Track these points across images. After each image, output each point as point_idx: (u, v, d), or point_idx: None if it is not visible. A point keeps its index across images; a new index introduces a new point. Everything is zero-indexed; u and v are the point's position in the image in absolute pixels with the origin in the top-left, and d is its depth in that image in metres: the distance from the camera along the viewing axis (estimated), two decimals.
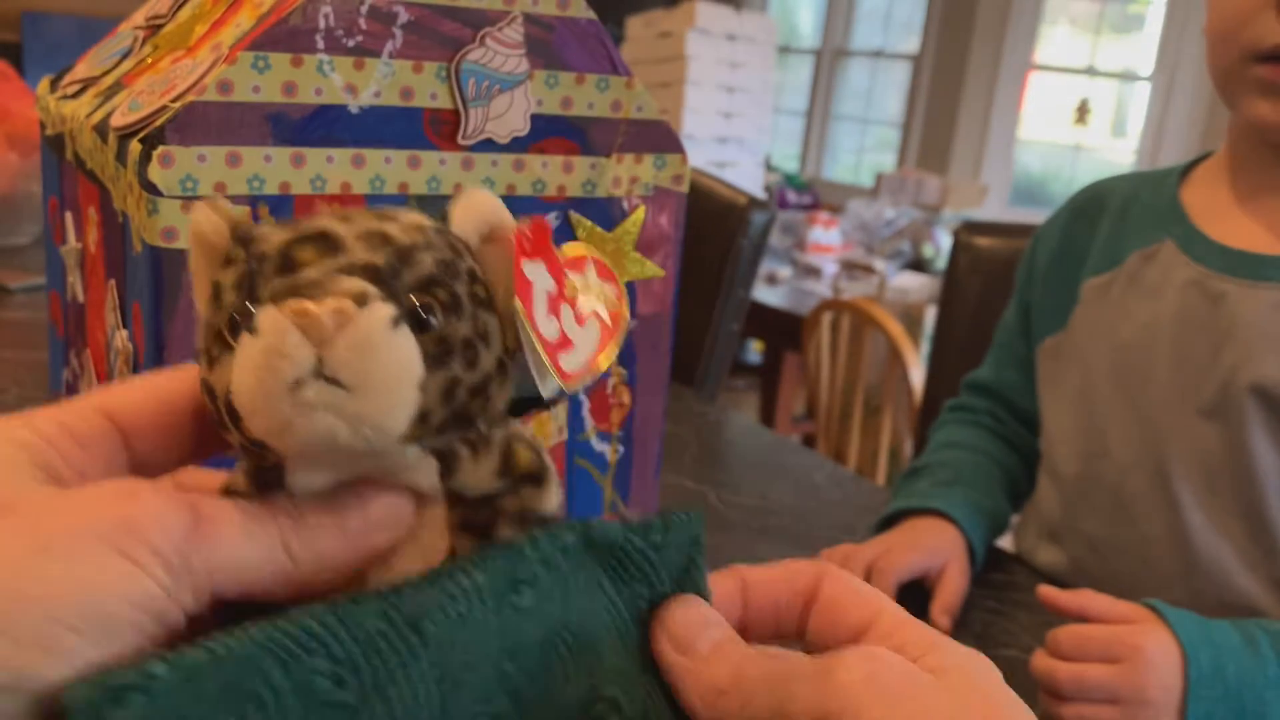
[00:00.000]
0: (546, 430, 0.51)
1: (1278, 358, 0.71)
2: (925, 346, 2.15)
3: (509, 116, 0.48)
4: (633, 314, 0.55)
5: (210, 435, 0.26)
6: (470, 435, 0.26)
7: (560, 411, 0.53)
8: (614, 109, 0.51)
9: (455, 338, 0.25)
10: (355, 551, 0.25)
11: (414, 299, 0.24)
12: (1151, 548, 0.77)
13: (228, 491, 0.26)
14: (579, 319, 0.28)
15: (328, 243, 0.24)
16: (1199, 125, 3.91)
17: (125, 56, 0.56)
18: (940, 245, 3.06)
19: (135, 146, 0.42)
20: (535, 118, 0.49)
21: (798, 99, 5.09)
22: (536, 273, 0.27)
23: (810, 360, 2.18)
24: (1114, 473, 0.79)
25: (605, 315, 0.29)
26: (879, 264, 2.74)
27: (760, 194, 3.34)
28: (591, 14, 0.50)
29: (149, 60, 0.52)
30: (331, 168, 0.44)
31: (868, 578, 0.73)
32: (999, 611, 0.75)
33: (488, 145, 0.48)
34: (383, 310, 0.23)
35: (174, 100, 0.42)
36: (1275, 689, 0.59)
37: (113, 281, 0.48)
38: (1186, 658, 0.59)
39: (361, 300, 0.23)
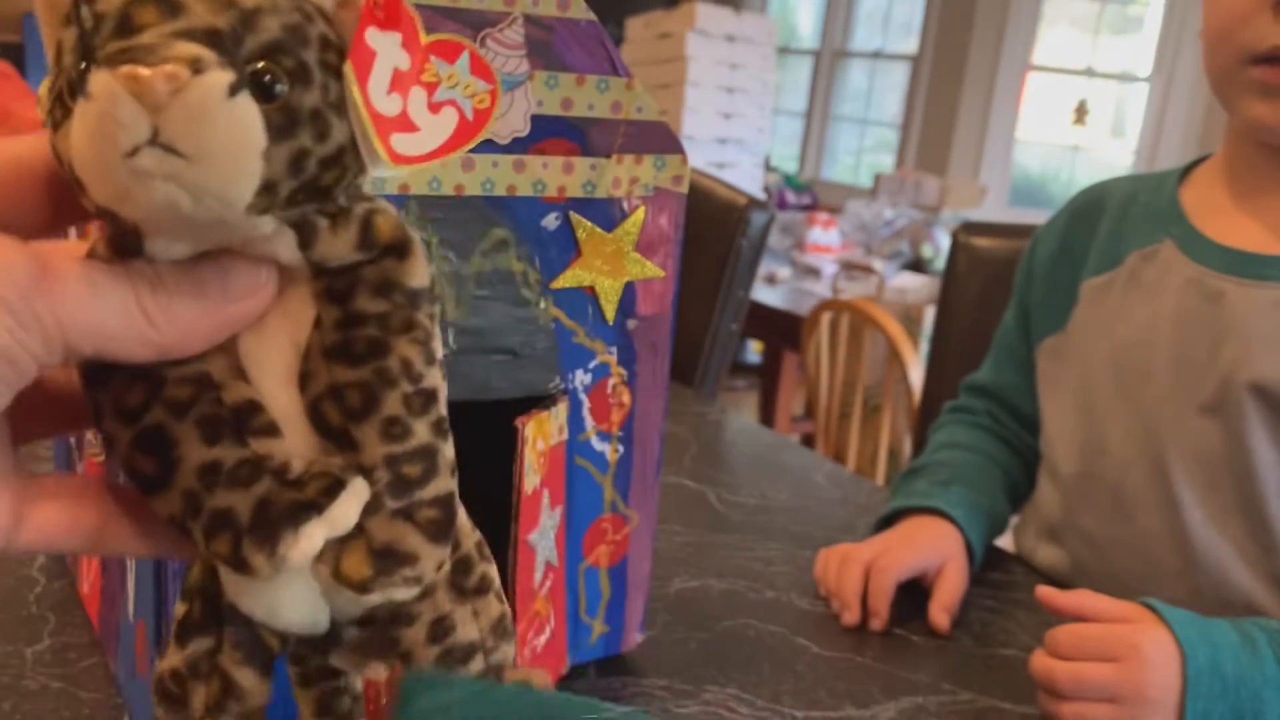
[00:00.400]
0: (546, 430, 0.51)
1: (1277, 357, 0.71)
2: (924, 346, 2.15)
3: (509, 117, 0.48)
4: (633, 314, 0.55)
5: (68, 201, 0.26)
6: (328, 207, 0.26)
7: (560, 411, 0.53)
8: (614, 110, 0.51)
9: (302, 108, 0.24)
10: (217, 319, 0.25)
11: (258, 67, 0.23)
12: (1151, 545, 0.77)
13: (90, 256, 0.26)
14: (432, 106, 0.26)
15: (169, 4, 0.23)
16: (1197, 126, 3.92)
17: None
18: (939, 245, 3.06)
19: None
20: (535, 118, 0.49)
21: (797, 100, 5.09)
22: (385, 44, 0.26)
23: (810, 360, 2.18)
24: (1114, 470, 0.79)
25: (468, 110, 0.27)
26: (878, 264, 2.74)
27: (759, 194, 3.34)
28: (591, 15, 0.50)
29: None
30: None
31: (866, 577, 0.73)
32: (998, 611, 0.75)
33: (488, 146, 0.48)
34: (219, 76, 0.22)
35: None
36: (1272, 687, 0.59)
37: None
38: (1184, 656, 0.59)
39: (197, 66, 0.22)
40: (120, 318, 0.24)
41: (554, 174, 0.50)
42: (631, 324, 0.55)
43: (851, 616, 0.71)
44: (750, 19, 3.54)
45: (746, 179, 3.44)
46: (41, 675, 0.54)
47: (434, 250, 0.48)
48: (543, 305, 0.51)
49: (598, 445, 0.56)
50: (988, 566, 0.81)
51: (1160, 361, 0.77)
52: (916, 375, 1.87)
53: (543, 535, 0.52)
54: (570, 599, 0.57)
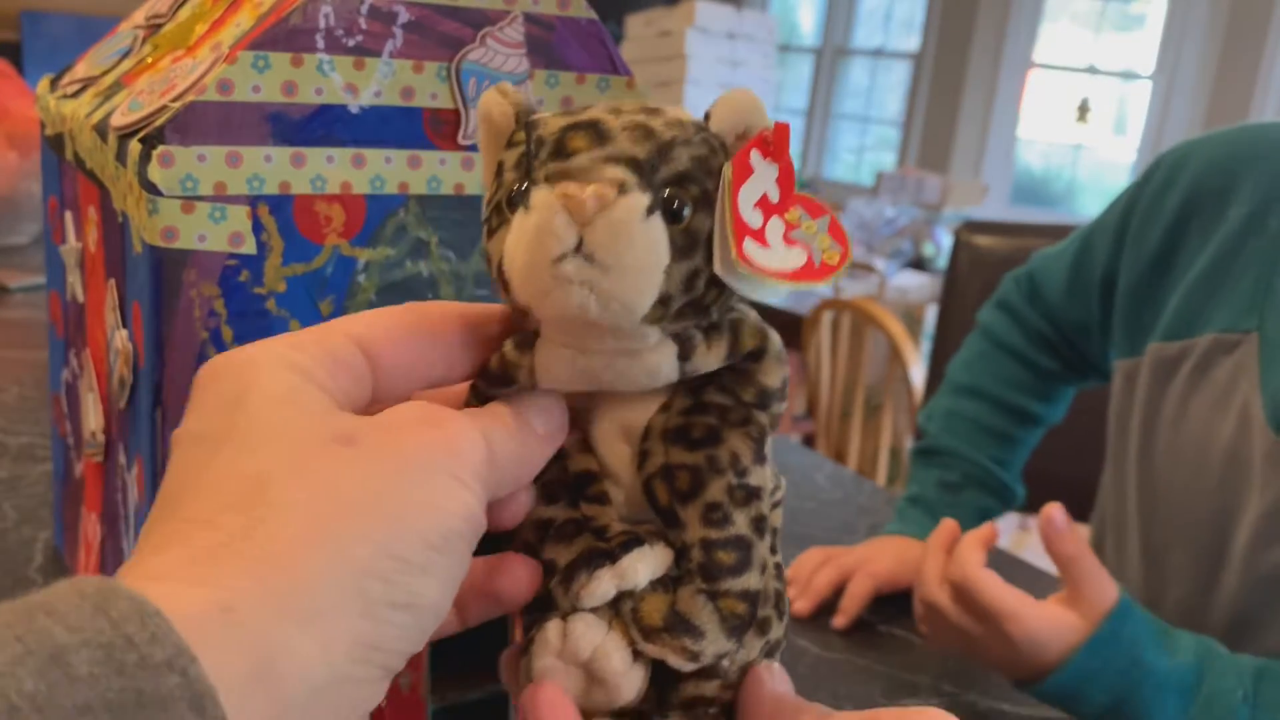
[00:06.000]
0: None
1: None
2: (926, 345, 2.15)
3: None
4: None
5: (442, 363, 0.29)
6: (703, 322, 0.28)
7: None
8: None
9: (701, 231, 0.27)
10: (545, 454, 0.29)
11: (669, 192, 0.26)
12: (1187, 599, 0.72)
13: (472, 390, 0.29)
14: (788, 239, 0.28)
15: (597, 132, 0.27)
16: (1199, 124, 3.91)
17: (125, 56, 0.56)
18: (941, 244, 3.06)
19: (135, 146, 0.42)
20: None
21: (798, 98, 5.09)
22: (764, 170, 0.28)
23: (811, 359, 2.18)
24: (1156, 550, 0.74)
25: (817, 257, 0.28)
26: (879, 263, 2.74)
27: None
28: (592, 13, 0.50)
29: (149, 60, 0.52)
30: (331, 168, 0.44)
31: (843, 582, 0.72)
32: None
33: None
34: (639, 199, 0.25)
35: (174, 100, 0.42)
36: (1174, 690, 0.56)
37: (112, 281, 0.48)
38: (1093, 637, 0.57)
39: (622, 188, 0.25)
40: (521, 473, 0.28)
41: None
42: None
43: (805, 605, 0.70)
44: (751, 16, 3.54)
45: None
46: None
47: (434, 250, 0.48)
48: None
49: None
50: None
51: (1201, 500, 0.67)
52: (918, 374, 1.87)
53: None
54: None
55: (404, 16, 0.45)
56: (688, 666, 0.29)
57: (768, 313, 2.25)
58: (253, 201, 0.43)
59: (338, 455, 0.23)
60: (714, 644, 0.28)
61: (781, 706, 0.30)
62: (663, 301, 0.26)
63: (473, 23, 0.46)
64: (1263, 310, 0.63)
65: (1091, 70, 4.30)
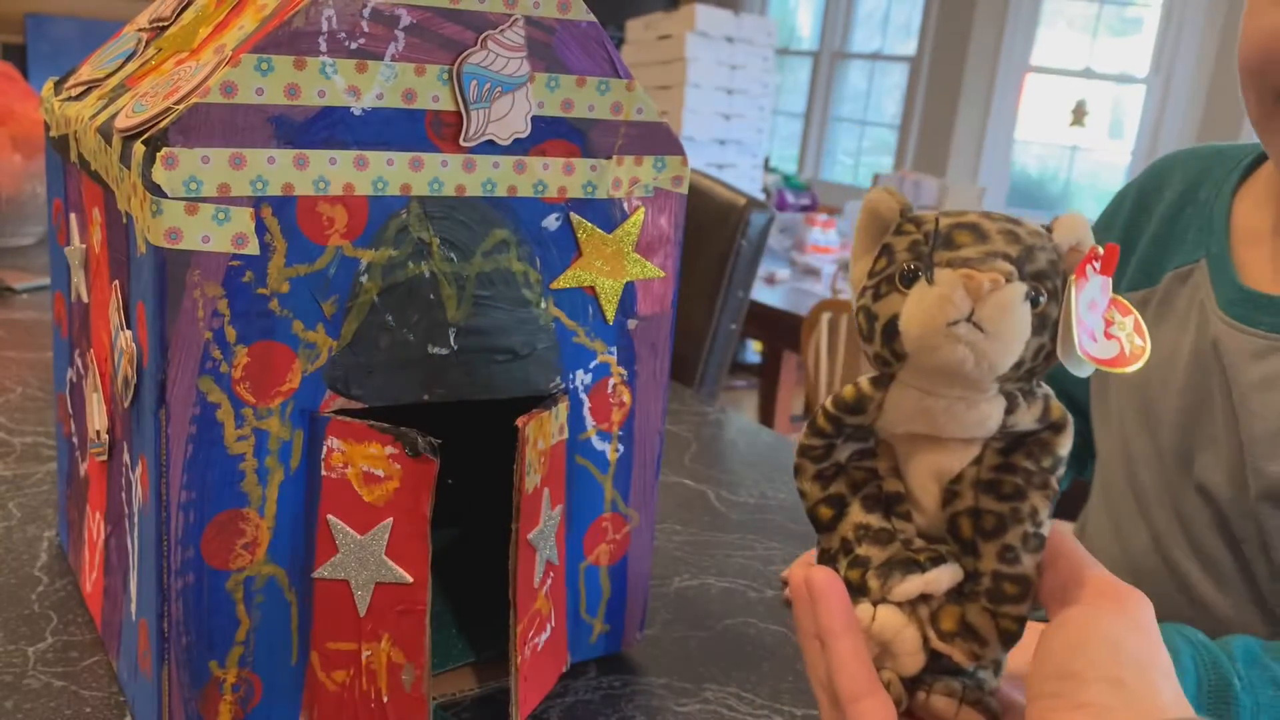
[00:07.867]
0: (547, 430, 0.51)
1: (1255, 421, 0.65)
2: None
3: (510, 118, 0.48)
4: (633, 314, 0.55)
5: None
6: (1025, 387, 0.36)
7: (561, 411, 0.53)
8: (614, 111, 0.51)
9: (1050, 317, 0.35)
10: None
11: (1032, 284, 0.35)
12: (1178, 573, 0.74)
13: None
14: (1107, 334, 0.37)
15: (978, 232, 0.35)
16: (1195, 127, 3.92)
17: (129, 58, 0.56)
18: None
19: (139, 148, 0.42)
20: (536, 120, 0.49)
21: (796, 101, 5.09)
22: (1095, 279, 0.36)
23: (809, 360, 2.18)
24: (1148, 498, 0.76)
25: (1128, 348, 0.37)
26: None
27: (759, 195, 3.34)
28: (592, 17, 0.50)
29: (153, 62, 0.52)
30: (334, 169, 0.45)
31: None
32: None
33: (489, 147, 0.48)
34: (1019, 287, 0.34)
35: (178, 102, 0.43)
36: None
37: (116, 282, 0.49)
38: None
39: (1009, 277, 0.34)
40: None
41: (555, 175, 0.50)
42: (631, 324, 0.55)
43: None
44: (750, 20, 3.54)
45: (745, 180, 3.45)
46: (44, 674, 0.54)
47: (436, 251, 0.48)
48: (543, 305, 0.52)
49: (598, 445, 0.56)
50: None
51: (1172, 408, 0.72)
52: None
53: (543, 534, 0.52)
54: (571, 598, 0.57)
55: (406, 19, 0.45)
56: (969, 665, 0.37)
57: (766, 314, 2.21)
58: (256, 203, 0.43)
59: None
60: (992, 651, 0.37)
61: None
62: (1017, 365, 0.34)
63: (474, 26, 0.47)
64: (1207, 243, 0.73)
65: (1087, 73, 4.31)
